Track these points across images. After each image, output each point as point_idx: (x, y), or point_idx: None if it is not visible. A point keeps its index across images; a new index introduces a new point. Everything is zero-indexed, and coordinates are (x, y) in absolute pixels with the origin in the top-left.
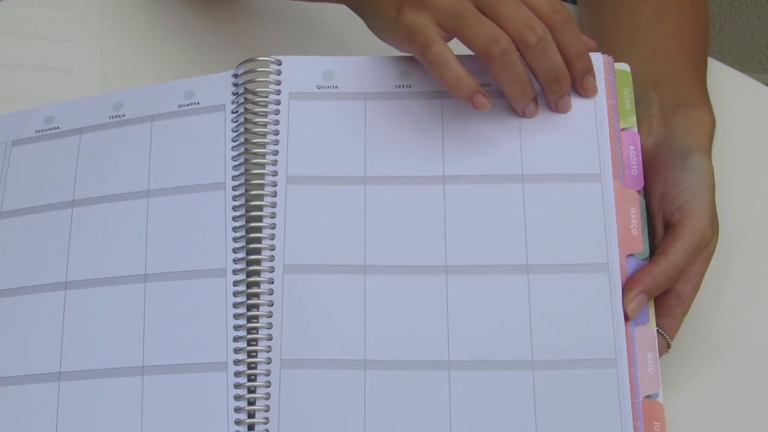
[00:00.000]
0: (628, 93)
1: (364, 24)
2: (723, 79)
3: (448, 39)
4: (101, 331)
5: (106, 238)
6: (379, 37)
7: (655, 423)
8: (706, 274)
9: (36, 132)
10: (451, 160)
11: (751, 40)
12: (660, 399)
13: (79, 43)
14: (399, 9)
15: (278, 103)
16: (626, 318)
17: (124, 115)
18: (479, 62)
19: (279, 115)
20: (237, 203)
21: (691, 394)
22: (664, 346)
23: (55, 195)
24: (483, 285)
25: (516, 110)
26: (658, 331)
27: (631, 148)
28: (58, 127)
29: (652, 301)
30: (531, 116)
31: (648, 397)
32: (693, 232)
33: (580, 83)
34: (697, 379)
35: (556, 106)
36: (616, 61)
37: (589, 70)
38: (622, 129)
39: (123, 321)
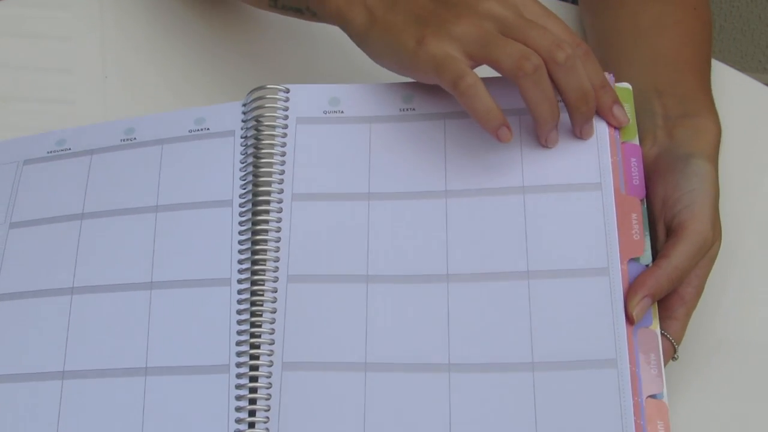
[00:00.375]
0: (629, 108)
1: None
2: (723, 79)
3: (474, 67)
4: (106, 334)
5: (114, 249)
6: (389, 68)
7: (658, 422)
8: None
9: (48, 153)
10: (453, 175)
11: (751, 40)
12: (664, 399)
13: (79, 43)
14: (421, 40)
15: (285, 127)
16: (631, 322)
17: (135, 138)
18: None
19: (286, 138)
20: (243, 218)
21: (694, 397)
22: (670, 351)
23: (64, 208)
24: (484, 291)
25: (539, 136)
26: (662, 333)
27: (633, 159)
28: (69, 149)
29: (656, 303)
30: (552, 144)
31: (652, 396)
32: (694, 235)
33: (610, 113)
34: (700, 381)
35: (581, 131)
36: (620, 68)
37: (616, 100)
38: (623, 142)
39: (127, 324)
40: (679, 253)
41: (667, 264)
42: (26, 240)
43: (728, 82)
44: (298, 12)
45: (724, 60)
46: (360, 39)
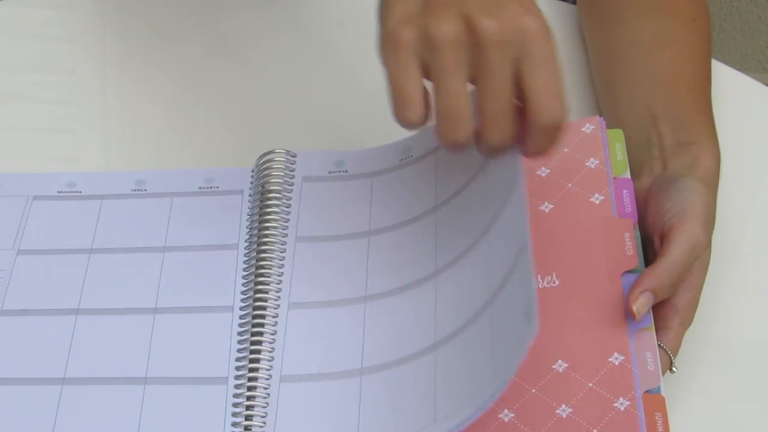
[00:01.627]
0: (620, 147)
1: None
2: (723, 79)
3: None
4: (108, 348)
5: (120, 278)
6: None
7: (656, 414)
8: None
9: (58, 192)
10: (442, 192)
11: (751, 40)
12: (662, 393)
13: (79, 43)
14: None
15: (291, 185)
16: (632, 317)
17: (145, 190)
18: None
19: (292, 193)
20: (247, 258)
21: (694, 397)
22: (667, 362)
23: (73, 243)
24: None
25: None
26: (659, 345)
27: (625, 191)
28: (80, 192)
29: (651, 310)
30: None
31: (648, 391)
32: (686, 233)
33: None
34: (699, 381)
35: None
36: (618, 90)
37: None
38: (615, 177)
39: (130, 341)
40: (675, 249)
41: (665, 260)
42: (34, 266)
43: (728, 82)
44: None
45: (724, 60)
46: None
